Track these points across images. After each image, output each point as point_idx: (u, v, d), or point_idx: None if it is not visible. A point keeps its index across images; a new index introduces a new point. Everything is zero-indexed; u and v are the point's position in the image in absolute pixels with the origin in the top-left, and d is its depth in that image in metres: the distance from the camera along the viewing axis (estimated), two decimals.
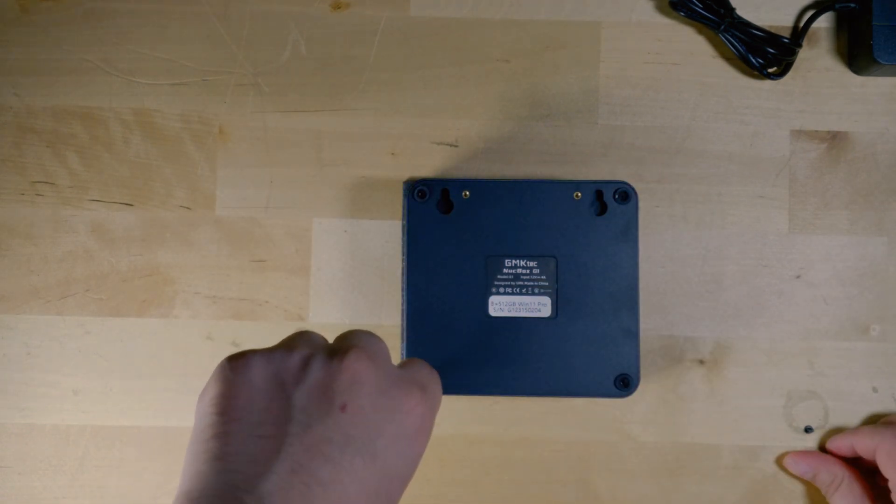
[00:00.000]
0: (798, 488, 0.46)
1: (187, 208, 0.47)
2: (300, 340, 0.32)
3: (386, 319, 0.47)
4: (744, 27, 0.46)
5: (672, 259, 0.47)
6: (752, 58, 0.46)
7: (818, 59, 0.47)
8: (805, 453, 0.46)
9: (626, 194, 0.45)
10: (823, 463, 0.45)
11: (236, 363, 0.30)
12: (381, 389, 0.31)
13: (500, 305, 0.44)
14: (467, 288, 0.44)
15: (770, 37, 0.46)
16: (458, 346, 0.44)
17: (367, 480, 0.29)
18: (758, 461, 0.46)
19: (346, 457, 0.28)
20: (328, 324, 0.47)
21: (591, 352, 0.43)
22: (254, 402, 0.29)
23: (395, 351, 0.46)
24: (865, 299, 0.47)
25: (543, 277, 0.44)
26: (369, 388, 0.30)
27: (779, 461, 0.46)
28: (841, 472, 0.44)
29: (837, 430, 0.46)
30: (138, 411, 0.47)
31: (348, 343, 0.32)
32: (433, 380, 0.35)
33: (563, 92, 0.47)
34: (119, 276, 0.47)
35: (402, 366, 0.35)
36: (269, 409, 0.29)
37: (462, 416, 0.47)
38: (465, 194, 0.45)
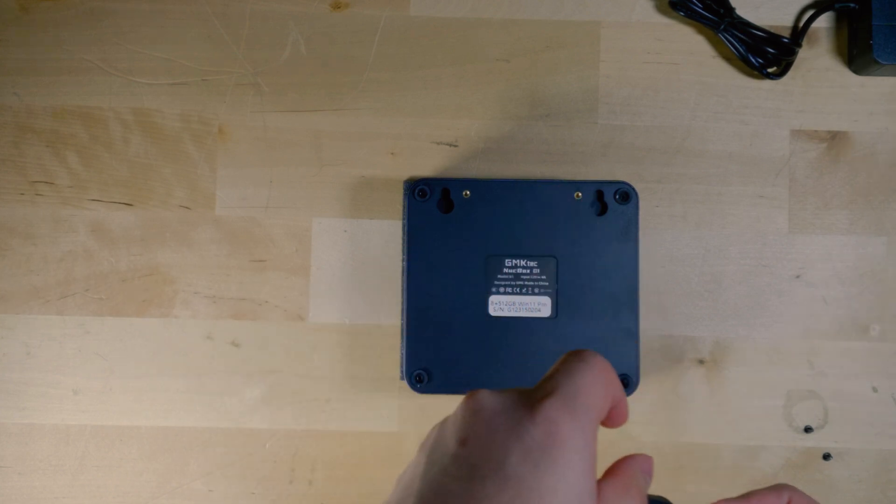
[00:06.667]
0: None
1: (187, 208, 0.47)
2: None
3: (386, 319, 0.47)
4: (744, 27, 0.46)
5: (672, 259, 0.47)
6: (751, 58, 0.46)
7: (818, 58, 0.47)
8: None
9: (626, 195, 0.45)
10: None
11: None
12: (498, 411, 0.31)
13: (501, 305, 0.44)
14: (467, 287, 0.44)
15: (770, 37, 0.46)
16: (457, 346, 0.44)
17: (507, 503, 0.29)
18: (758, 461, 0.46)
19: (474, 486, 0.29)
20: (328, 324, 0.47)
21: None
22: (405, 470, 0.32)
23: (395, 350, 0.46)
24: (865, 299, 0.47)
25: (543, 277, 0.44)
26: (485, 414, 0.31)
27: None
28: None
29: (837, 430, 0.46)
30: (138, 411, 0.47)
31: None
32: (572, 379, 0.32)
33: (563, 92, 0.47)
34: (119, 275, 0.47)
35: (547, 378, 0.33)
36: (412, 465, 0.31)
37: None
38: (466, 194, 0.45)
